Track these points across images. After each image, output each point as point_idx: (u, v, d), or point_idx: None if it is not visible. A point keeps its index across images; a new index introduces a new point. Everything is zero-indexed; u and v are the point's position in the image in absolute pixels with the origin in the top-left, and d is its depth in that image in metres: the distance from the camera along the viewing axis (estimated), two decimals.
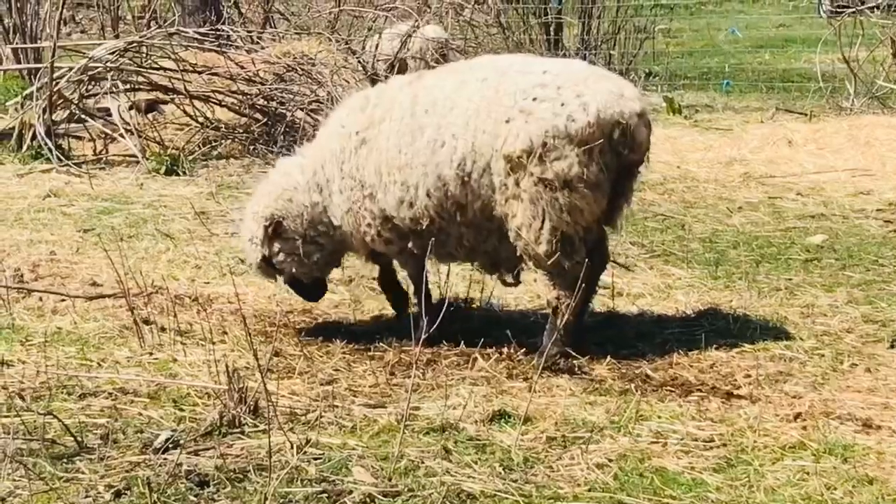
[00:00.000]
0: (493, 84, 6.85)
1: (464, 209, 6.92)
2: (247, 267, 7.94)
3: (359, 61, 16.11)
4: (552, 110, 6.61)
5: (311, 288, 7.69)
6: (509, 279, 7.28)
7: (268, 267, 7.51)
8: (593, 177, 6.62)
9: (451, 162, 6.82)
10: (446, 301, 7.65)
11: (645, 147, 6.83)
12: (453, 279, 8.20)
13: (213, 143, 13.89)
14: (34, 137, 13.34)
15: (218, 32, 15.79)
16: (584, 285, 6.72)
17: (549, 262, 6.79)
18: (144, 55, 14.73)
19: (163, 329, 7.36)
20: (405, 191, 6.98)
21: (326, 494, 5.11)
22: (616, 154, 6.68)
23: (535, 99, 6.68)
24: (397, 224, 7.11)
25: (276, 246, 7.42)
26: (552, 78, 6.76)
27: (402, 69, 17.73)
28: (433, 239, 6.97)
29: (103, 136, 13.82)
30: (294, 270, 7.48)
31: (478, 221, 6.96)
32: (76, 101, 13.86)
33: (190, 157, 13.24)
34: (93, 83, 14.13)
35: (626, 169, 6.83)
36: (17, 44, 17.57)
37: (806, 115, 17.07)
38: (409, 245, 7.16)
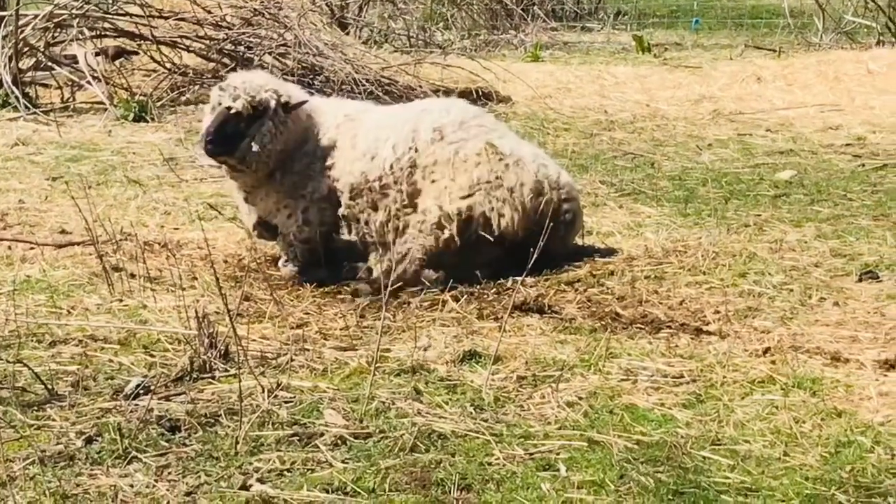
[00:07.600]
0: None
1: None
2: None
3: (326, 4, 16.01)
4: None
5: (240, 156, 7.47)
6: None
7: (254, 110, 7.38)
8: None
9: None
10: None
11: None
12: None
13: (181, 89, 13.80)
14: (0, 86, 13.24)
15: None
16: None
17: None
18: (110, 1, 14.61)
19: (132, 275, 7.33)
20: None
21: (298, 437, 5.13)
22: None
23: None
24: None
25: (280, 115, 7.46)
26: None
27: None
28: None
29: (70, 83, 13.71)
30: (268, 133, 7.42)
31: None
32: (42, 49, 13.74)
33: (158, 104, 13.13)
34: (59, 30, 14.01)
35: None
36: None
37: (775, 51, 17.09)
38: None
